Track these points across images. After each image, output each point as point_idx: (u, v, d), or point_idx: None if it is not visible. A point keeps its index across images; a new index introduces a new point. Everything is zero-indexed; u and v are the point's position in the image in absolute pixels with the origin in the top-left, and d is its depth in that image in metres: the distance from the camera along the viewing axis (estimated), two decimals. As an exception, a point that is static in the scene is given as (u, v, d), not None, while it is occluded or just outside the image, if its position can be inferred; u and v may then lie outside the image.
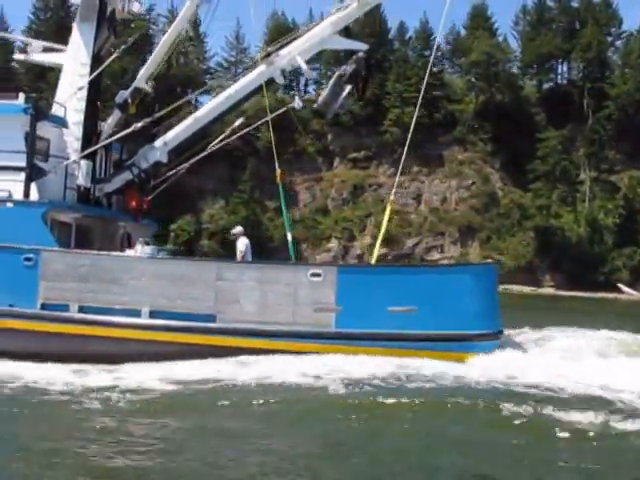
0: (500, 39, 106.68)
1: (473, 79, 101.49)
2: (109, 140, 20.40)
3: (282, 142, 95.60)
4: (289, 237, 20.24)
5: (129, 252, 19.31)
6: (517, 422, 12.14)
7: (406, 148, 20.00)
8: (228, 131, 22.08)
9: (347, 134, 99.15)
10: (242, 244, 18.85)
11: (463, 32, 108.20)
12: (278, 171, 20.00)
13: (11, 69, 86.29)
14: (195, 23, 20.57)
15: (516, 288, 76.91)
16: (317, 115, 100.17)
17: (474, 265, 18.81)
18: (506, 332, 18.92)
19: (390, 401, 13.29)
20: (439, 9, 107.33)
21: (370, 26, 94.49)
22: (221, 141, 22.39)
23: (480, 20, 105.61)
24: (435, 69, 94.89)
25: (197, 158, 21.59)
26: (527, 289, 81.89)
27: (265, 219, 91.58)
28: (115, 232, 21.05)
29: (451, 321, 16.84)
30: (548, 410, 12.63)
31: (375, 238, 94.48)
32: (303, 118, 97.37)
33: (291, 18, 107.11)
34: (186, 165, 21.61)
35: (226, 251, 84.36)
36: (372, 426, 12.23)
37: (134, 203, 21.11)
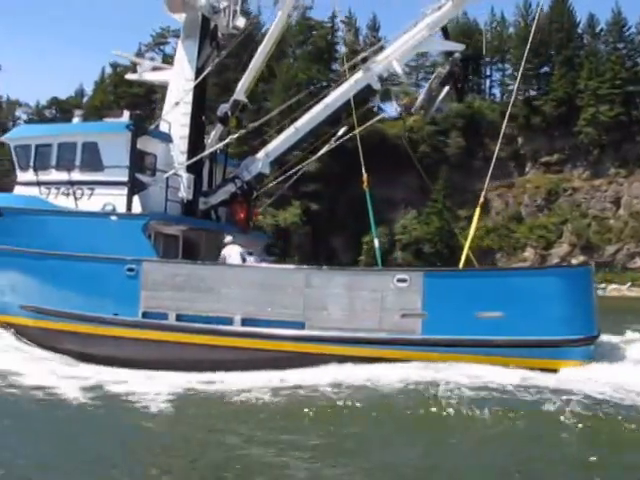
0: None
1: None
2: (205, 153, 21.76)
3: (471, 147, 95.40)
4: (376, 243, 20.54)
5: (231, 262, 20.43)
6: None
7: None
8: (333, 141, 22.45)
9: (539, 137, 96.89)
10: (228, 254, 19.93)
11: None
12: (364, 176, 20.19)
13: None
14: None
15: None
16: (508, 119, 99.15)
17: (566, 267, 17.97)
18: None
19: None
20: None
21: (558, 20, 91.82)
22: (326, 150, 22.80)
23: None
24: (630, 62, 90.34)
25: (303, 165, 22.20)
26: None
27: (457, 228, 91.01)
28: (222, 244, 22.29)
29: (541, 326, 16.35)
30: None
31: (574, 246, 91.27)
32: (493, 122, 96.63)
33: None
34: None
35: (420, 262, 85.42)
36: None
37: (242, 215, 22.31)
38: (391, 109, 22.21)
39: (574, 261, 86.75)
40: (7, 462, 10.76)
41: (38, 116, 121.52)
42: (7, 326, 21.49)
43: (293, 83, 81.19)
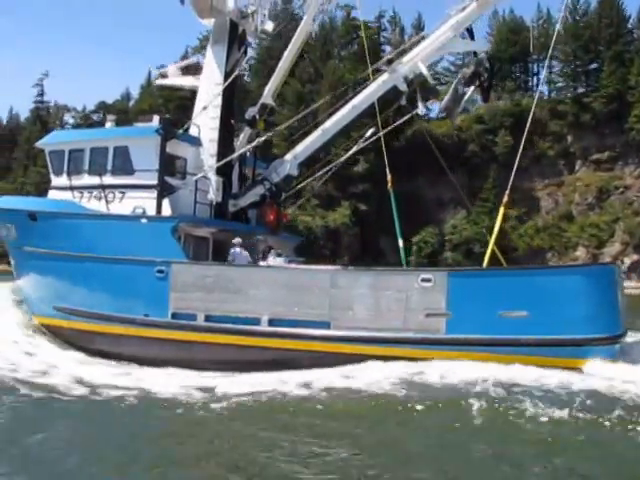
0: None
1: None
2: (233, 156, 22.23)
3: (519, 146, 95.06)
4: (400, 243, 20.76)
5: (262, 264, 20.89)
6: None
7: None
8: (361, 142, 22.73)
9: (588, 134, 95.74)
10: (232, 254, 20.51)
11: None
12: (389, 177, 20.43)
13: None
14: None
15: None
16: (556, 116, 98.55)
17: (589, 266, 17.95)
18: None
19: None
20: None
21: (607, 16, 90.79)
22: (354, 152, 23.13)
23: None
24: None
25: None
26: None
27: (507, 227, 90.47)
28: (253, 246, 22.67)
29: (565, 325, 16.42)
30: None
31: (626, 244, 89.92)
32: (541, 120, 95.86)
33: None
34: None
35: (470, 263, 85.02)
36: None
37: (271, 217, 22.74)
38: (421, 108, 22.12)
39: (627, 260, 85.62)
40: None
41: (85, 120, 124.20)
42: (43, 327, 22.26)
43: (339, 84, 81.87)
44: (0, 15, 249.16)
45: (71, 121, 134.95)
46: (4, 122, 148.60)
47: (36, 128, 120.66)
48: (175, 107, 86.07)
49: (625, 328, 17.13)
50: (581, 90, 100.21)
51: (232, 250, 20.64)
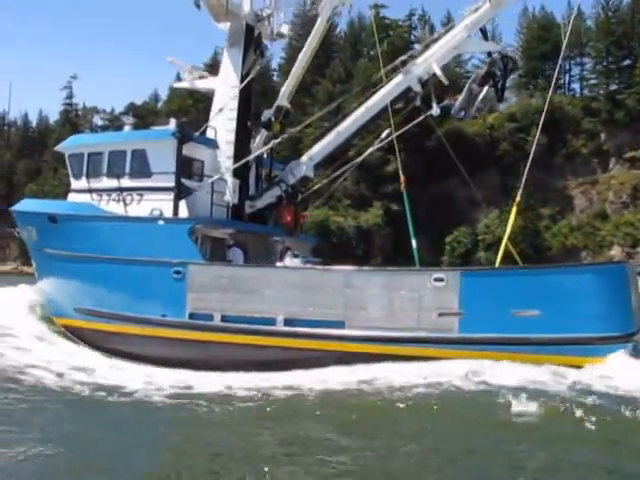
0: None
1: None
2: (248, 158, 22.57)
3: (552, 144, 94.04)
4: (414, 244, 20.99)
5: (279, 264, 21.22)
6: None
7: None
8: (377, 143, 22.96)
9: (622, 131, 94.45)
10: (232, 253, 21.18)
11: None
12: (402, 177, 20.64)
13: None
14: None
15: None
16: (590, 113, 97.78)
17: (600, 264, 18.05)
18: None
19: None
20: None
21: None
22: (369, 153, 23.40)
23: None
24: None
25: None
26: None
27: (541, 227, 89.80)
28: (270, 247, 23.00)
29: (577, 324, 16.56)
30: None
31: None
32: (575, 117, 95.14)
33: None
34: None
35: (504, 262, 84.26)
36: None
37: (289, 218, 23.07)
38: (435, 109, 22.26)
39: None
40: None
41: (115, 121, 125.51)
42: (64, 328, 22.80)
43: (370, 83, 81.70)
44: (30, 18, 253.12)
45: (100, 123, 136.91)
46: (34, 124, 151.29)
47: (66, 130, 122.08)
48: (205, 108, 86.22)
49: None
50: (614, 87, 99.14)
51: (231, 250, 21.08)
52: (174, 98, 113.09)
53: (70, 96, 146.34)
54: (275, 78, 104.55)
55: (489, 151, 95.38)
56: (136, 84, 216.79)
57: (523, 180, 19.11)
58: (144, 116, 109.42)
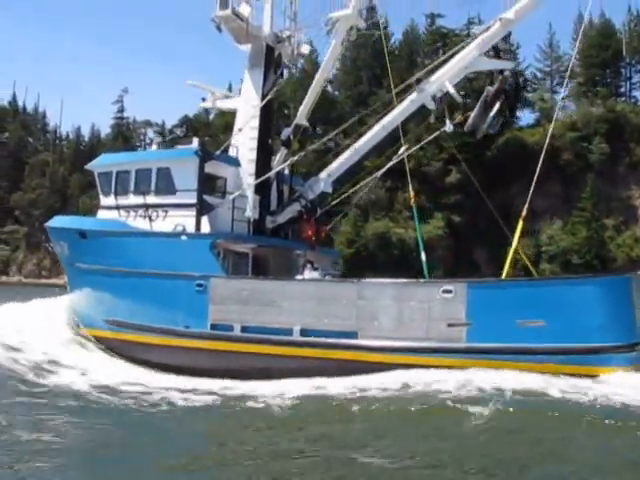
0: None
1: None
2: (268, 175, 23.77)
3: (616, 153, 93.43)
4: (423, 257, 21.88)
5: (299, 277, 22.33)
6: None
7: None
8: (394, 159, 23.81)
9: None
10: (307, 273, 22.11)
11: None
12: (411, 193, 21.56)
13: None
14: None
15: None
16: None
17: (603, 276, 18.69)
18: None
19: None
20: None
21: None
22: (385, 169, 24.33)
23: None
24: None
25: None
26: None
27: (606, 238, 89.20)
28: (292, 260, 24.10)
29: (581, 334, 17.30)
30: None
31: None
32: (638, 125, 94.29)
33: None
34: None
35: (569, 274, 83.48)
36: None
37: (309, 232, 24.20)
38: (448, 126, 23.12)
39: None
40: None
41: (169, 135, 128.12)
42: (94, 339, 24.20)
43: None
44: (79, 35, 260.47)
45: (151, 135, 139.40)
46: (86, 138, 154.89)
47: (118, 144, 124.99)
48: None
49: None
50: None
51: (306, 268, 22.57)
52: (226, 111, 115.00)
53: (121, 110, 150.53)
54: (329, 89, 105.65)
55: (551, 161, 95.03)
56: (185, 98, 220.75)
57: (530, 194, 19.80)
58: (197, 128, 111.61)
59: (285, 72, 26.09)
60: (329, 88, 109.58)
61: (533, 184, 19.83)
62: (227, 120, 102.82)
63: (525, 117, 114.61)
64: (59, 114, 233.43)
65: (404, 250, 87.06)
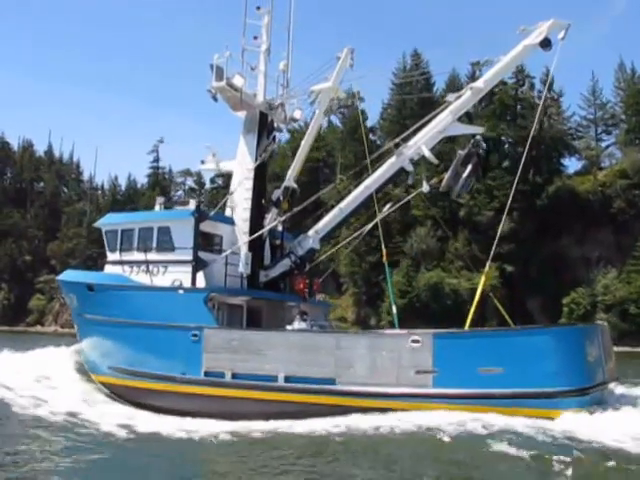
0: None
1: None
2: (259, 233, 26.22)
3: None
4: (394, 309, 24.07)
5: (288, 327, 24.55)
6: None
7: None
8: (380, 215, 25.98)
9: None
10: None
11: None
12: (384, 250, 23.83)
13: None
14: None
15: None
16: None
17: (557, 327, 20.54)
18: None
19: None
20: None
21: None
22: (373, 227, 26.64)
23: None
24: None
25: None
26: None
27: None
28: (284, 312, 26.40)
29: (537, 379, 19.29)
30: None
31: None
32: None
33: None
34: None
35: (627, 325, 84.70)
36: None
37: (301, 285, 26.54)
38: (425, 187, 25.35)
39: None
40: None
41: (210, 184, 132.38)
42: (100, 384, 26.63)
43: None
44: (118, 95, 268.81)
45: (190, 183, 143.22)
46: (123, 188, 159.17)
47: (155, 193, 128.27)
48: (307, 169, 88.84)
49: (604, 379, 20.19)
50: None
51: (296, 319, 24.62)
52: (278, 159, 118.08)
53: (156, 159, 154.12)
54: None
55: (602, 209, 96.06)
56: (220, 151, 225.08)
57: (493, 248, 21.97)
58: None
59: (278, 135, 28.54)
60: (372, 137, 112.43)
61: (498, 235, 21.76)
62: (276, 170, 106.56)
63: (572, 164, 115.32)
64: (93, 164, 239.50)
65: (457, 300, 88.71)
